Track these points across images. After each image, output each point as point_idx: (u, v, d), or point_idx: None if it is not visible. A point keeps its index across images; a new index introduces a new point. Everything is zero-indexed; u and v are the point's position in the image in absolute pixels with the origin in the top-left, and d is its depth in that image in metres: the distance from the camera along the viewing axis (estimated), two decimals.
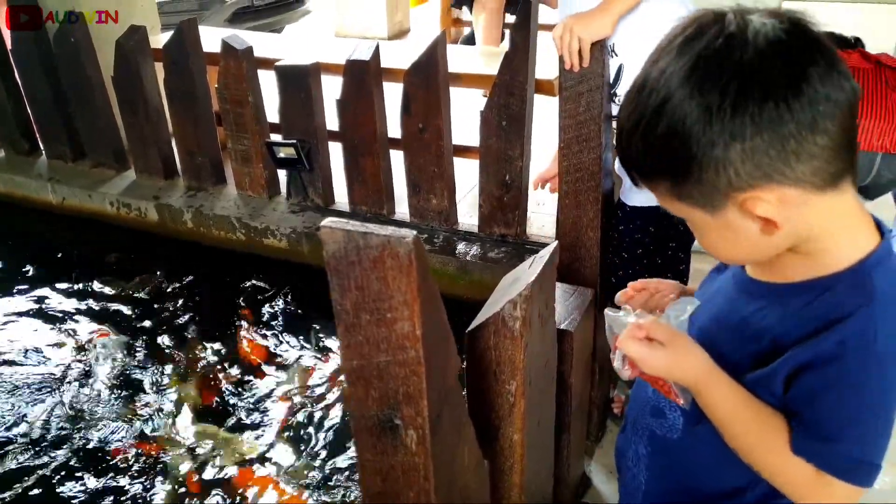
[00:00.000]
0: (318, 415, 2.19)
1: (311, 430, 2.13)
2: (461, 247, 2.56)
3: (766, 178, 0.68)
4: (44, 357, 2.47)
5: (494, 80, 2.34)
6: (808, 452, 0.75)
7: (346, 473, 1.96)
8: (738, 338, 0.82)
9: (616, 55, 1.54)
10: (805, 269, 0.76)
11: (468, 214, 2.71)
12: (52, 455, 2.06)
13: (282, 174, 2.88)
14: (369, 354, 0.80)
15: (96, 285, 2.82)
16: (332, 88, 2.63)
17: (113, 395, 2.29)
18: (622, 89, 1.56)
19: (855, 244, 0.74)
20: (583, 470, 1.74)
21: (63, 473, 1.99)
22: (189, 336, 2.56)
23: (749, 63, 0.64)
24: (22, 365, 2.44)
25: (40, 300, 2.78)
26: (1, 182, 3.27)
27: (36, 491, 1.94)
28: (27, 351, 2.51)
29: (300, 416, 2.19)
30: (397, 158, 2.65)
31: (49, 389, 2.32)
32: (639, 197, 1.63)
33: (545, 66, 2.45)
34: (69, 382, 2.35)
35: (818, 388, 0.73)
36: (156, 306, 2.70)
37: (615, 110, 1.60)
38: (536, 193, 2.30)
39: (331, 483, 1.93)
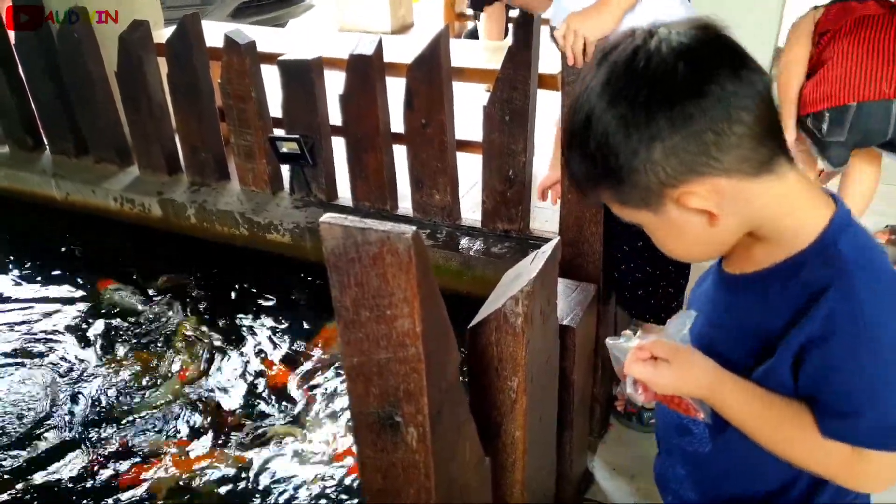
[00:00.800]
0: (318, 411, 2.20)
1: (312, 426, 2.14)
2: (464, 242, 2.55)
3: (692, 172, 0.71)
4: (41, 352, 2.48)
5: (497, 75, 2.33)
6: (837, 433, 0.74)
7: (349, 471, 1.96)
8: (732, 337, 0.82)
9: None
10: (772, 253, 0.78)
11: (471, 210, 2.70)
12: (44, 450, 2.07)
13: (285, 169, 2.88)
14: (369, 351, 0.80)
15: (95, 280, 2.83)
16: (335, 83, 2.62)
17: (109, 394, 2.29)
18: None
19: (812, 218, 0.75)
20: (585, 466, 1.74)
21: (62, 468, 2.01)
22: (192, 332, 2.56)
23: (653, 71, 0.69)
24: (22, 359, 2.45)
25: (41, 296, 2.79)
26: (5, 177, 3.28)
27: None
28: (27, 344, 2.52)
29: (301, 413, 2.19)
30: (400, 153, 2.64)
31: (46, 385, 2.33)
32: None
33: (548, 60, 2.43)
34: (67, 378, 2.36)
35: (823, 368, 0.73)
36: (160, 302, 2.71)
37: None
38: (538, 189, 2.29)
39: (336, 479, 1.93)
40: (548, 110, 2.53)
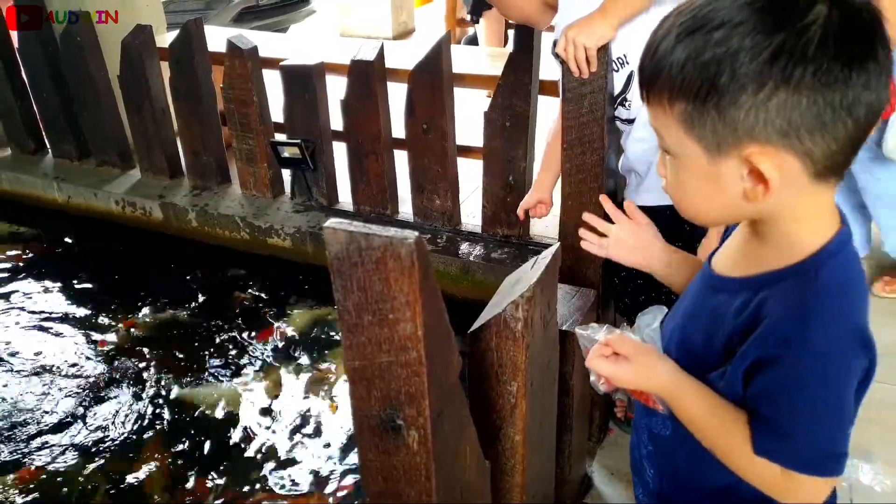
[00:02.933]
0: (321, 414, 2.20)
1: (313, 429, 2.14)
2: (464, 247, 2.57)
3: (785, 138, 0.66)
4: (43, 357, 2.49)
5: (499, 81, 2.35)
6: (768, 452, 0.76)
7: (353, 474, 1.97)
8: (706, 333, 0.83)
9: (627, 63, 1.54)
10: (762, 259, 0.77)
11: (471, 215, 2.71)
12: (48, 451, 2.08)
13: (286, 174, 2.90)
14: (371, 355, 0.81)
15: (99, 284, 2.84)
16: (336, 88, 2.64)
17: (109, 395, 2.29)
18: (633, 95, 1.56)
19: (814, 235, 0.73)
20: (585, 471, 1.75)
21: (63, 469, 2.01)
22: (195, 335, 2.57)
23: (837, 19, 0.63)
24: (22, 362, 2.46)
25: (46, 298, 2.80)
26: (7, 181, 3.29)
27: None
28: (27, 348, 2.52)
29: (301, 416, 2.19)
30: (401, 159, 2.66)
31: (46, 387, 2.34)
32: (644, 196, 1.62)
33: (549, 67, 2.45)
34: (67, 379, 2.37)
35: (769, 386, 0.74)
36: (159, 305, 2.71)
37: (625, 114, 1.60)
38: None
39: (340, 483, 1.93)
40: (548, 116, 2.55)
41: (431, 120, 2.48)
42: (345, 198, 2.86)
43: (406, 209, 2.76)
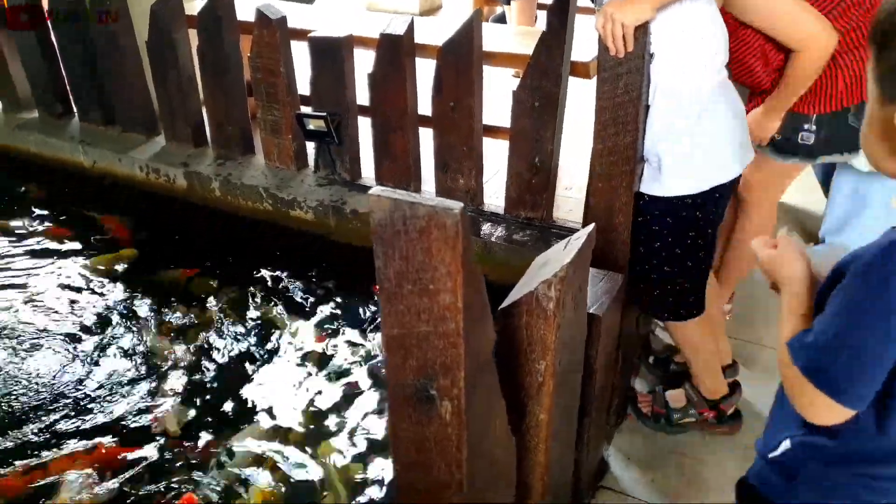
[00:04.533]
0: (336, 387, 2.21)
1: (326, 402, 2.16)
2: (486, 228, 2.55)
3: None
4: (65, 323, 2.51)
5: (529, 61, 2.31)
6: (791, 343, 0.87)
7: (370, 446, 1.98)
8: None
9: (651, 54, 1.52)
10: None
11: (494, 196, 2.70)
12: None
13: (310, 147, 2.89)
14: (410, 324, 0.81)
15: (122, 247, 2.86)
16: (364, 62, 2.62)
17: (124, 366, 2.32)
18: (652, 83, 1.54)
19: None
20: (601, 455, 1.75)
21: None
22: (215, 305, 2.59)
23: None
24: (42, 327, 2.49)
25: (68, 261, 2.83)
26: (34, 143, 3.31)
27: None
28: (52, 313, 2.56)
29: (318, 389, 2.21)
30: (425, 136, 2.64)
31: (63, 353, 2.37)
32: (656, 186, 1.60)
33: (581, 48, 2.42)
34: (84, 346, 2.40)
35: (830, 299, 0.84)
36: (181, 272, 2.74)
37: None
38: (563, 178, 2.28)
39: (359, 456, 1.95)
40: (577, 98, 2.52)
41: (459, 98, 2.45)
42: (367, 173, 2.85)
43: (429, 188, 2.75)
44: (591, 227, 1.20)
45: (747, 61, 1.70)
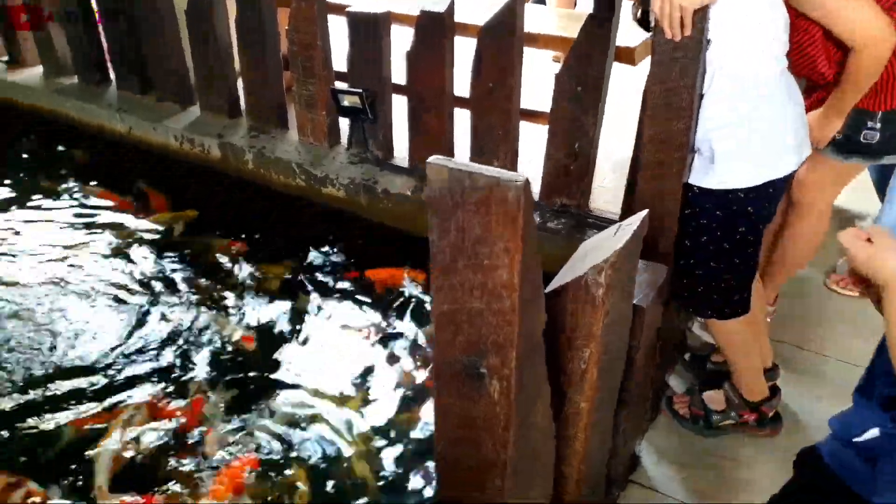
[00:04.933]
0: (358, 367, 2.20)
1: (356, 379, 2.14)
2: None
3: None
4: (110, 282, 2.54)
5: (573, 44, 2.25)
6: None
7: (401, 427, 1.96)
8: None
9: (709, 41, 1.45)
10: None
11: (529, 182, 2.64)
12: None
13: (343, 123, 2.86)
14: (462, 300, 0.78)
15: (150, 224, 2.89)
16: (401, 40, 2.58)
17: (158, 335, 2.32)
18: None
19: None
20: (634, 449, 1.71)
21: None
22: (243, 277, 2.59)
23: None
24: (73, 289, 2.52)
25: (102, 227, 2.85)
26: (73, 108, 3.34)
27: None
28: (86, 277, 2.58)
29: (347, 368, 2.20)
30: (461, 118, 2.60)
31: (107, 312, 2.39)
32: (708, 178, 1.54)
33: (627, 33, 2.35)
34: (128, 306, 2.41)
35: None
36: (213, 246, 2.74)
37: None
38: (600, 166, 2.22)
39: (389, 435, 1.94)
40: (620, 84, 2.45)
41: (499, 79, 2.40)
42: (400, 153, 2.82)
43: None
44: (644, 213, 1.15)
45: (808, 52, 1.62)
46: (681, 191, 1.56)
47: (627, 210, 2.25)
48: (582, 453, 1.17)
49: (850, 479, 0.96)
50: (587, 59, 2.23)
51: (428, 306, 2.47)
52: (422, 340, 2.29)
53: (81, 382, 2.10)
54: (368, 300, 2.49)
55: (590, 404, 1.13)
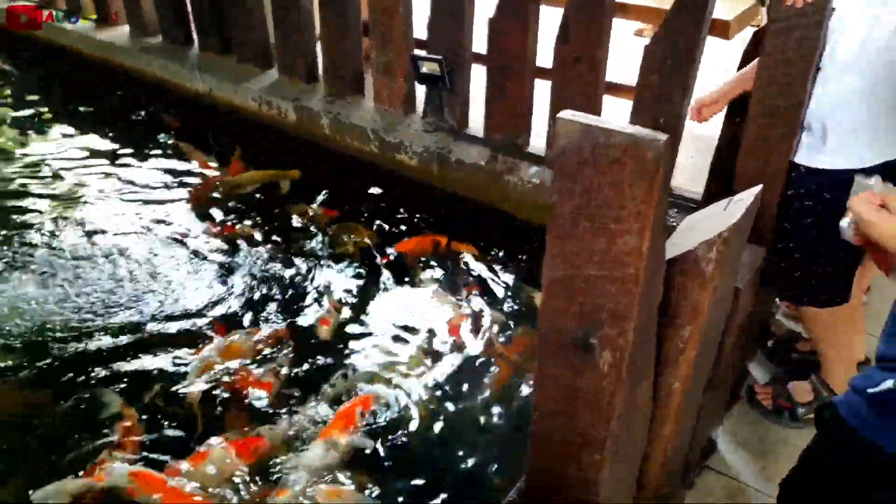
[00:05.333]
0: (424, 331, 2.20)
1: (412, 342, 2.15)
2: None
3: None
4: (167, 242, 2.61)
5: (666, 15, 2.15)
6: None
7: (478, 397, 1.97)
8: None
9: (833, 9, 1.35)
10: None
11: None
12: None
13: (420, 92, 2.84)
14: (579, 266, 0.75)
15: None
16: (482, 7, 2.53)
17: (228, 289, 2.38)
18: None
19: None
20: (711, 434, 1.66)
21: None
22: (321, 239, 2.62)
23: None
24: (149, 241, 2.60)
25: (184, 184, 2.94)
26: (158, 67, 3.43)
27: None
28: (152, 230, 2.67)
29: (414, 336, 2.20)
30: (540, 89, 2.53)
31: (170, 271, 2.46)
32: (818, 157, 1.45)
33: (721, 5, 2.23)
34: (193, 267, 2.48)
35: None
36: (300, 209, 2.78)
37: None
38: (681, 147, 2.13)
39: (460, 402, 1.95)
40: (711, 58, 2.33)
41: (585, 49, 2.32)
42: (475, 124, 2.78)
43: (538, 143, 2.65)
44: (758, 189, 1.09)
45: None
46: (785, 171, 1.47)
47: (711, 190, 2.16)
48: (668, 435, 1.14)
49: (861, 429, 0.94)
50: (680, 30, 2.13)
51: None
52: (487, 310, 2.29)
53: (170, 326, 2.18)
54: (434, 270, 2.49)
55: (683, 386, 1.09)
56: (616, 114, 2.47)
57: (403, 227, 2.69)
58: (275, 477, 1.68)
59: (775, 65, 1.41)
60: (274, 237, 2.62)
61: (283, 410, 1.87)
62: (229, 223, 2.70)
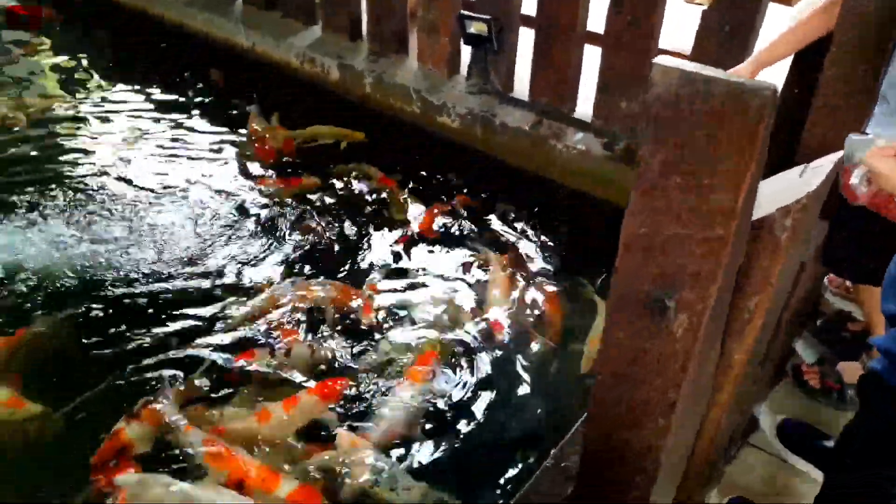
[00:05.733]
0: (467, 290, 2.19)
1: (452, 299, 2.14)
2: None
3: None
4: (215, 193, 2.62)
5: None
6: None
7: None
8: None
9: None
10: None
11: None
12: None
13: (465, 53, 2.78)
14: (662, 223, 0.72)
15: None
16: None
17: (272, 240, 2.39)
18: None
19: None
20: (753, 410, 1.63)
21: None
22: (369, 200, 2.62)
23: None
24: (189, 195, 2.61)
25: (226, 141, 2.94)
26: (202, 21, 3.41)
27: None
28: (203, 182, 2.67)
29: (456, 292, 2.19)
30: (588, 54, 2.47)
31: (209, 222, 2.47)
32: (893, 130, 1.38)
33: None
34: (233, 218, 2.49)
35: None
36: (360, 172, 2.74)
37: None
38: None
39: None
40: (771, 26, 2.24)
41: (640, 13, 2.24)
42: (520, 87, 2.72)
43: (584, 109, 2.59)
44: (838, 155, 1.04)
45: None
46: None
47: (785, 159, 2.09)
48: (724, 408, 1.11)
49: None
50: None
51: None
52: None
53: (224, 273, 2.19)
54: (476, 234, 2.47)
55: (745, 357, 1.06)
56: None
57: (436, 190, 2.66)
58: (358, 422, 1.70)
59: (855, 26, 1.34)
60: (329, 197, 2.60)
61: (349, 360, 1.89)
62: (290, 176, 2.67)
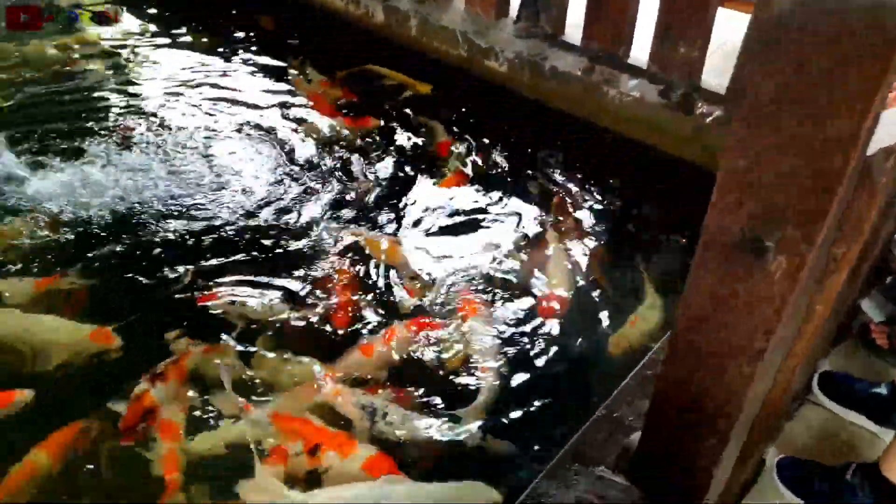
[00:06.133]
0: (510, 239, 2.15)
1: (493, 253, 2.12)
2: (702, 107, 2.28)
3: None
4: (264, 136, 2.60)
5: None
6: None
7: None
8: None
9: None
10: None
11: (714, 72, 2.38)
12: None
13: None
14: (765, 157, 0.67)
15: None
16: None
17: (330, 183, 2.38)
18: None
19: None
20: (816, 367, 1.58)
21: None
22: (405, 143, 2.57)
23: None
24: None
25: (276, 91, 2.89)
26: None
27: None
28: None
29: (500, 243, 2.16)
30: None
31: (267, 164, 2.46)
32: None
33: None
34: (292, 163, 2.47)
35: None
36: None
37: None
38: None
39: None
40: None
41: None
42: (571, 31, 2.61)
43: (639, 55, 2.48)
44: None
45: None
46: None
47: None
48: (800, 359, 1.07)
49: None
50: None
51: None
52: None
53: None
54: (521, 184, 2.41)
55: (826, 307, 1.01)
56: (721, 26, 2.26)
57: (479, 137, 2.59)
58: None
59: None
60: (390, 146, 2.57)
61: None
62: (358, 117, 2.65)
